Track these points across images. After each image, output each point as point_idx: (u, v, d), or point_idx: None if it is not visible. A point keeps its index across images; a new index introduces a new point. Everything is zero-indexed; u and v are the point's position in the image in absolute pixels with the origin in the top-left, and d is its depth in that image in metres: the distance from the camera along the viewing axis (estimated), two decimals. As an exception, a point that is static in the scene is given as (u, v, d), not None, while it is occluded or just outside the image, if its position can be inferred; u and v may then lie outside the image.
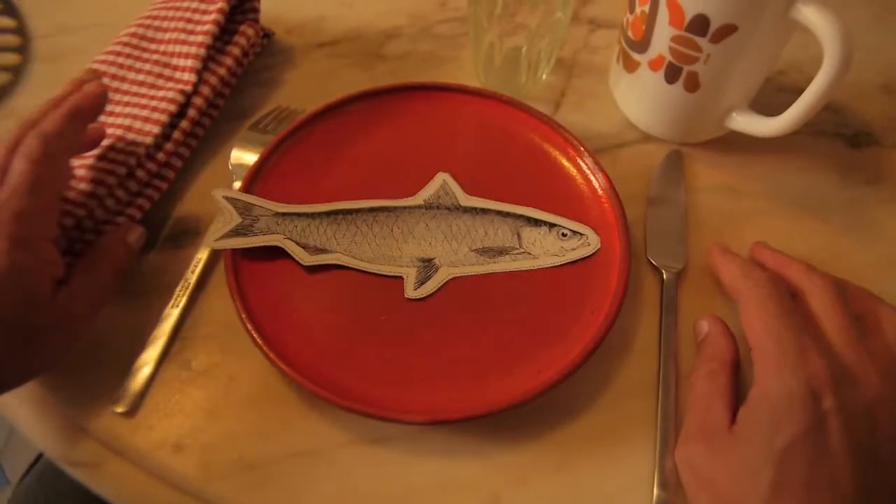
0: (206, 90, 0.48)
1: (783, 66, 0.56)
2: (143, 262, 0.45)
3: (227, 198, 0.43)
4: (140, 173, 0.44)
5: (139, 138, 0.45)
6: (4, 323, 0.34)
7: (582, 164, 0.47)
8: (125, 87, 0.48)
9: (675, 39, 0.44)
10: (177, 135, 0.46)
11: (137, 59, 0.49)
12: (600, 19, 0.60)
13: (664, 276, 0.44)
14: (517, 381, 0.39)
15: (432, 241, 0.44)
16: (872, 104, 0.55)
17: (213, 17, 0.49)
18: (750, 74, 0.46)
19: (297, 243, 0.43)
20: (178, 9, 0.51)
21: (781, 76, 0.55)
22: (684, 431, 0.37)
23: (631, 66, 0.49)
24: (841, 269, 0.41)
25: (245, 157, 0.48)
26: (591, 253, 0.43)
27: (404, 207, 0.45)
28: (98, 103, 0.41)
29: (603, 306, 0.41)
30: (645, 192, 0.49)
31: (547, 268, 0.43)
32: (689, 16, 0.42)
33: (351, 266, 0.43)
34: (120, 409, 0.39)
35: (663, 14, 0.43)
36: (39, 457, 0.62)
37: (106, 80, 0.48)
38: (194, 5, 0.50)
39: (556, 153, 0.48)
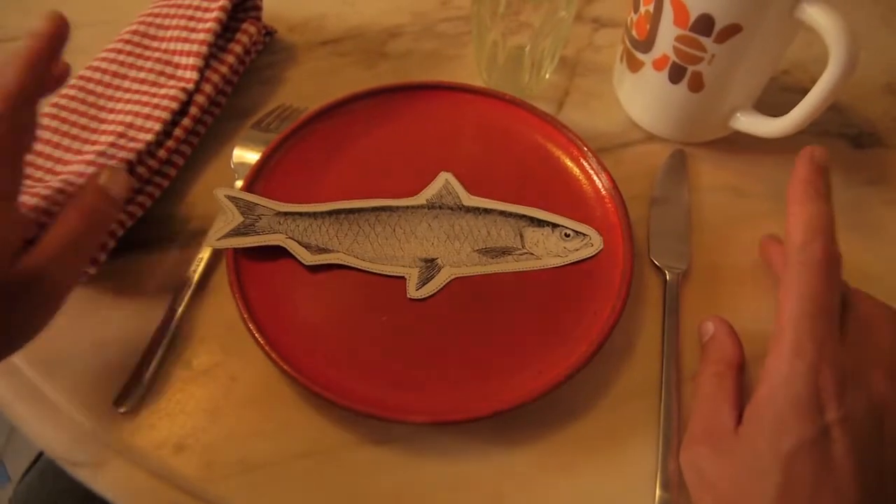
0: (207, 88, 0.48)
1: (787, 66, 0.55)
2: (144, 261, 0.44)
3: (228, 197, 0.43)
4: (141, 170, 0.44)
5: (140, 135, 0.45)
6: None
7: (585, 163, 0.47)
8: (126, 84, 0.48)
9: (679, 39, 0.43)
10: (178, 132, 0.46)
11: (139, 56, 0.49)
12: (604, 18, 0.59)
13: (667, 277, 0.44)
14: (520, 381, 0.39)
15: (435, 241, 0.44)
16: (877, 104, 0.55)
17: (214, 14, 0.49)
18: (754, 74, 0.46)
19: (299, 243, 0.43)
20: (179, 6, 0.51)
21: (786, 76, 0.55)
22: (689, 433, 0.37)
23: (635, 65, 0.48)
24: (844, 270, 0.41)
25: (247, 155, 0.48)
26: (594, 253, 0.43)
27: (407, 207, 0.45)
28: (54, 42, 0.36)
29: (606, 307, 0.41)
30: (648, 192, 0.48)
31: (550, 268, 0.43)
32: (693, 15, 0.42)
33: (353, 266, 0.43)
34: (121, 409, 0.39)
35: (668, 13, 0.43)
36: (41, 454, 0.62)
37: (108, 78, 0.48)
38: (196, 3, 0.50)
39: (559, 153, 0.48)
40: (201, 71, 0.48)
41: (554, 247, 0.44)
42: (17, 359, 0.41)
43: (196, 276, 0.43)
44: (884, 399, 0.33)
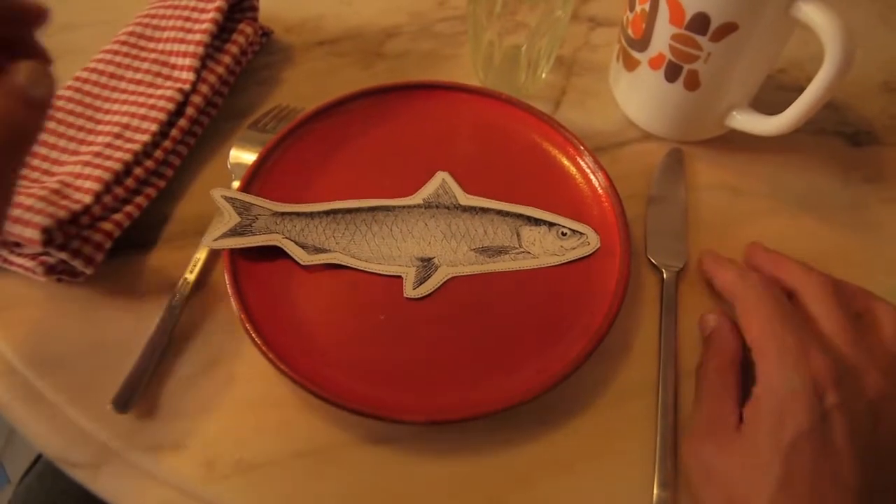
0: (204, 89, 0.48)
1: (784, 65, 0.55)
2: (141, 262, 0.44)
3: (225, 197, 0.43)
4: (137, 171, 0.44)
5: (137, 136, 0.45)
6: None
7: (582, 162, 0.47)
8: (123, 85, 0.48)
9: (675, 38, 0.43)
10: (175, 133, 0.46)
11: (136, 57, 0.49)
12: (600, 17, 0.59)
13: (664, 275, 0.44)
14: (517, 380, 0.39)
15: (431, 241, 0.44)
16: (873, 102, 0.55)
17: (211, 15, 0.49)
18: (750, 73, 0.46)
19: (296, 243, 0.43)
20: (176, 7, 0.51)
21: (782, 74, 0.55)
22: (694, 429, 0.37)
23: (631, 64, 0.48)
24: (841, 268, 0.41)
25: (244, 156, 0.48)
26: (590, 252, 0.43)
27: (403, 206, 0.45)
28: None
29: (603, 306, 0.41)
30: (645, 190, 0.48)
31: (547, 267, 0.43)
32: (689, 14, 0.42)
33: (350, 265, 0.43)
34: (119, 410, 0.39)
35: (663, 12, 0.43)
36: (40, 456, 0.62)
37: (104, 79, 0.48)
38: (192, 4, 0.50)
39: (555, 152, 0.48)
40: (198, 72, 0.48)
41: (551, 245, 0.44)
42: (15, 359, 0.41)
43: (193, 277, 0.43)
44: (881, 393, 0.34)
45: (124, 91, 0.48)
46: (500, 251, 0.44)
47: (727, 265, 0.42)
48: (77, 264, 0.41)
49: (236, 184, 0.45)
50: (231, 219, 0.43)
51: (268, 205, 0.44)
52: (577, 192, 0.46)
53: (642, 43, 0.46)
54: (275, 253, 0.42)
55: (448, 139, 0.49)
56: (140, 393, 0.39)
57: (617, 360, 0.42)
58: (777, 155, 0.51)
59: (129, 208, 0.44)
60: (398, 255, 0.43)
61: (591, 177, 0.46)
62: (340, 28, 0.58)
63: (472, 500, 0.38)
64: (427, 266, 0.43)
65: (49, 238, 0.39)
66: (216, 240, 0.42)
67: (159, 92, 0.47)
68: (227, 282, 0.40)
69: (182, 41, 0.49)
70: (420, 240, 0.44)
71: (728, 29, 0.41)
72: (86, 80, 0.48)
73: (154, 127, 0.45)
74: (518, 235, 0.44)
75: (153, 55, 0.49)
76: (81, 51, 0.51)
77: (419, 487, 0.38)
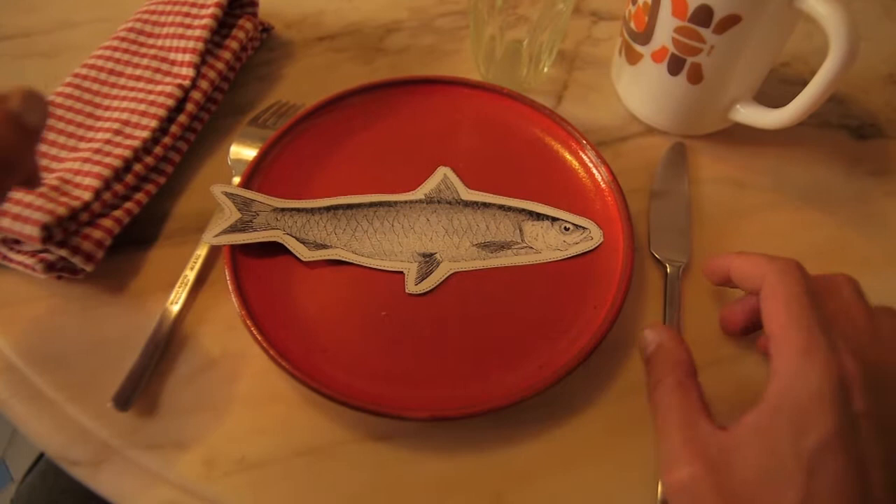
0: (204, 85, 0.48)
1: (787, 58, 0.55)
2: (141, 258, 0.44)
3: (226, 193, 0.43)
4: (137, 167, 0.44)
5: (136, 132, 0.44)
6: None
7: (584, 157, 0.46)
8: (122, 81, 0.48)
9: (678, 30, 0.43)
10: (174, 129, 0.46)
11: (135, 53, 0.49)
12: (602, 11, 0.59)
13: (668, 270, 0.44)
14: (520, 377, 0.39)
15: (433, 236, 0.43)
16: (878, 95, 0.54)
17: (211, 11, 0.49)
18: (754, 65, 0.45)
19: (297, 239, 0.43)
20: (176, 3, 0.50)
21: (785, 68, 0.55)
22: (668, 455, 0.32)
23: (633, 58, 0.48)
24: (846, 262, 0.41)
25: (244, 152, 0.48)
26: (593, 247, 0.43)
27: (405, 202, 0.45)
28: None
29: (606, 301, 0.41)
30: (648, 185, 0.48)
31: (549, 262, 0.43)
32: (692, 6, 0.41)
33: (351, 261, 0.42)
34: (120, 408, 0.38)
35: (666, 5, 0.43)
36: (42, 455, 0.62)
37: (104, 76, 0.48)
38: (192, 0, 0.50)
39: (558, 146, 0.48)
40: (197, 67, 0.48)
41: (553, 240, 0.43)
42: (15, 357, 0.41)
43: (194, 274, 0.43)
44: None
45: (124, 87, 0.48)
46: (503, 246, 0.43)
47: (740, 253, 0.37)
48: (77, 261, 0.41)
49: (237, 180, 0.45)
50: (232, 215, 0.42)
51: (268, 201, 0.44)
52: (579, 186, 0.46)
53: (645, 36, 0.46)
54: (276, 249, 0.42)
55: (449, 134, 0.49)
56: (140, 390, 0.39)
57: (620, 356, 0.41)
58: (781, 148, 0.50)
59: (129, 205, 0.44)
60: (400, 250, 0.43)
61: (594, 171, 0.46)
62: (340, 23, 0.58)
63: (474, 496, 0.37)
64: (429, 262, 0.43)
65: (49, 235, 0.39)
66: (217, 236, 0.42)
67: (159, 88, 0.47)
68: (228, 278, 0.40)
69: (182, 37, 0.49)
70: (422, 235, 0.43)
71: (731, 21, 0.41)
72: (85, 77, 0.48)
73: (154, 123, 0.45)
74: (520, 230, 0.44)
75: (153, 51, 0.49)
76: (80, 47, 0.51)
77: (421, 484, 0.38)
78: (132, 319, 0.42)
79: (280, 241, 0.42)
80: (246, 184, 0.44)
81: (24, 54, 0.55)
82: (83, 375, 0.40)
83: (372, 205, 0.44)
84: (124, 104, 0.46)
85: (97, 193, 0.42)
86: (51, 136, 0.45)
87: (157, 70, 0.48)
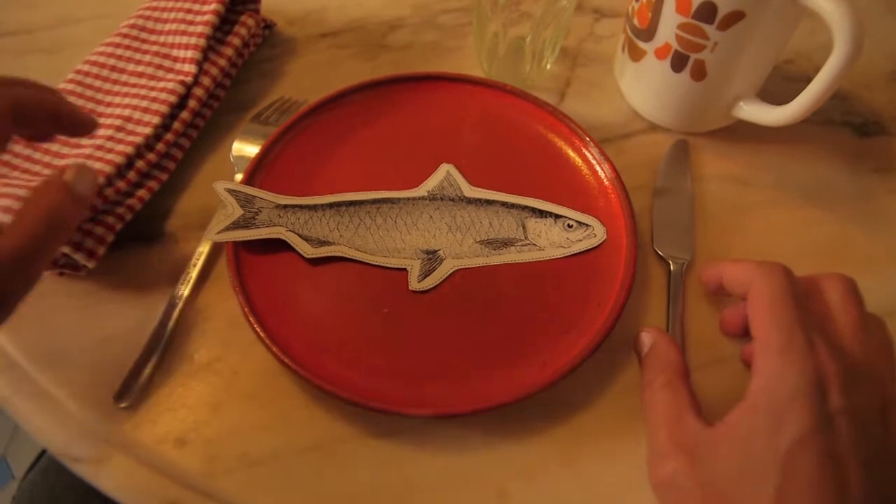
0: (206, 81, 0.48)
1: (790, 55, 0.55)
2: (143, 255, 0.44)
3: (228, 190, 0.43)
4: (140, 163, 0.44)
5: (139, 129, 0.44)
6: None
7: (587, 154, 0.46)
8: (125, 78, 0.48)
9: (681, 27, 0.43)
10: (177, 126, 0.46)
11: (137, 50, 0.49)
12: (605, 8, 0.59)
13: (671, 267, 0.44)
14: (523, 374, 0.39)
15: (436, 233, 0.43)
16: (881, 92, 0.54)
17: (213, 7, 0.49)
18: (757, 62, 0.45)
19: (300, 236, 0.42)
20: (177, -1, 0.50)
21: (789, 65, 0.55)
22: (654, 450, 0.33)
23: (637, 54, 0.48)
24: (848, 259, 0.41)
25: (247, 149, 0.48)
26: (597, 244, 0.43)
27: (408, 199, 0.45)
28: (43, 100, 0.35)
29: (609, 298, 0.41)
30: (651, 182, 0.48)
31: (552, 259, 0.43)
32: (696, 3, 0.41)
33: (354, 258, 0.42)
34: (122, 404, 0.39)
35: (670, 1, 0.43)
36: (44, 451, 0.62)
37: (106, 72, 0.48)
38: (194, -4, 0.50)
39: (561, 143, 0.47)
40: (200, 64, 0.48)
41: (557, 238, 0.43)
42: (17, 354, 0.41)
43: (196, 270, 0.43)
44: (891, 397, 0.32)
45: (126, 84, 0.48)
46: (506, 243, 0.43)
47: (732, 261, 0.38)
48: (79, 258, 0.40)
49: (239, 176, 0.45)
50: (234, 212, 0.42)
51: (271, 197, 0.43)
52: (582, 183, 0.46)
53: (648, 33, 0.46)
54: (278, 246, 0.42)
55: (452, 131, 0.48)
56: (143, 387, 0.39)
57: (623, 353, 0.41)
58: (784, 145, 0.50)
59: (131, 201, 0.44)
60: (403, 247, 0.43)
61: (597, 168, 0.46)
62: (343, 20, 0.58)
63: (478, 493, 0.37)
64: (432, 258, 0.43)
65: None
66: (219, 233, 0.41)
67: (161, 84, 0.47)
68: (231, 275, 0.40)
69: (184, 33, 0.48)
70: (425, 232, 0.43)
71: (735, 17, 0.41)
72: (87, 73, 0.48)
73: (156, 119, 0.45)
74: (524, 227, 0.44)
75: (155, 47, 0.49)
76: (83, 44, 0.51)
77: (424, 481, 0.38)
78: (135, 316, 0.42)
79: (283, 237, 0.42)
80: (248, 180, 0.44)
81: (27, 50, 0.55)
82: (85, 372, 0.40)
83: (375, 202, 0.44)
84: (126, 101, 0.46)
85: (99, 190, 0.42)
86: (53, 132, 0.45)
87: (160, 66, 0.48)
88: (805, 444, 0.29)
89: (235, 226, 0.42)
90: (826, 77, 0.40)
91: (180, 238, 0.45)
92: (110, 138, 0.44)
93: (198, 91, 0.47)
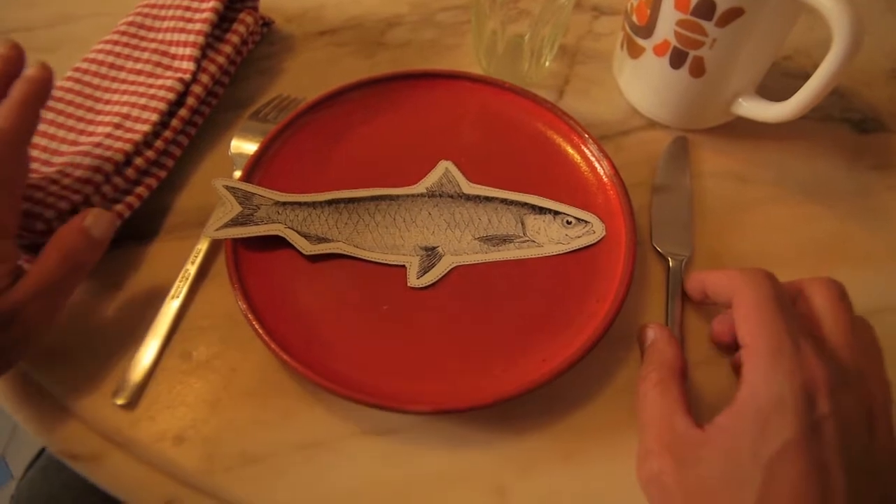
0: (204, 78, 0.48)
1: (789, 51, 0.55)
2: (142, 252, 0.44)
3: (227, 187, 0.43)
4: (138, 161, 0.44)
5: (137, 126, 0.44)
6: None
7: (586, 151, 0.46)
8: (123, 75, 0.48)
9: (680, 24, 0.43)
10: (175, 123, 0.46)
11: (135, 47, 0.49)
12: (604, 6, 0.59)
13: (670, 264, 0.44)
14: (522, 370, 0.38)
15: (435, 230, 0.43)
16: (880, 89, 0.54)
17: (211, 4, 0.49)
18: (756, 59, 0.45)
19: (299, 232, 0.42)
20: (176, -3, 0.50)
21: (787, 61, 0.55)
22: (643, 447, 0.34)
23: (635, 51, 0.48)
24: (847, 256, 0.41)
25: (245, 146, 0.48)
26: (596, 241, 0.43)
27: (406, 196, 0.45)
28: (46, 87, 0.38)
29: (608, 294, 0.41)
30: (650, 179, 0.48)
31: (551, 256, 0.43)
32: (694, -1, 0.41)
33: (353, 255, 0.42)
34: (120, 402, 0.38)
35: (668, -2, 0.43)
36: (42, 450, 0.62)
37: (104, 70, 0.48)
38: (192, -7, 0.50)
39: (560, 140, 0.47)
40: (198, 61, 0.48)
41: (556, 234, 0.43)
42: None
43: (195, 267, 0.43)
44: (879, 403, 0.32)
45: (124, 81, 0.48)
46: (505, 240, 0.43)
47: (712, 270, 0.39)
48: (78, 255, 0.40)
49: (238, 174, 0.45)
50: (233, 209, 0.42)
51: (270, 194, 0.43)
52: (581, 180, 0.46)
53: (647, 29, 0.46)
54: (277, 243, 0.42)
55: (451, 128, 0.48)
56: (141, 385, 0.39)
57: (623, 350, 0.41)
58: (783, 142, 0.50)
59: (129, 199, 0.44)
60: (401, 244, 0.43)
61: (596, 165, 0.46)
62: (341, 17, 0.57)
63: (477, 489, 0.37)
64: (431, 255, 0.42)
65: (49, 228, 0.39)
66: (218, 230, 0.41)
67: (160, 82, 0.47)
68: (229, 272, 0.40)
69: (182, 31, 0.48)
70: (423, 229, 0.43)
71: (734, 14, 0.41)
72: (86, 71, 0.48)
73: (154, 117, 0.45)
74: (522, 224, 0.44)
75: (153, 45, 0.49)
76: (81, 42, 0.51)
77: (423, 477, 0.38)
78: (133, 314, 0.42)
79: (281, 234, 0.42)
80: (247, 178, 0.44)
81: (26, 48, 0.54)
82: (84, 370, 0.40)
83: (374, 198, 0.44)
84: (125, 98, 0.46)
85: (97, 187, 0.42)
86: (51, 129, 0.45)
87: (158, 64, 0.48)
88: (789, 453, 0.29)
89: (234, 223, 0.42)
90: (825, 73, 0.40)
91: (179, 235, 0.45)
92: (108, 136, 0.44)
93: (196, 88, 0.47)
